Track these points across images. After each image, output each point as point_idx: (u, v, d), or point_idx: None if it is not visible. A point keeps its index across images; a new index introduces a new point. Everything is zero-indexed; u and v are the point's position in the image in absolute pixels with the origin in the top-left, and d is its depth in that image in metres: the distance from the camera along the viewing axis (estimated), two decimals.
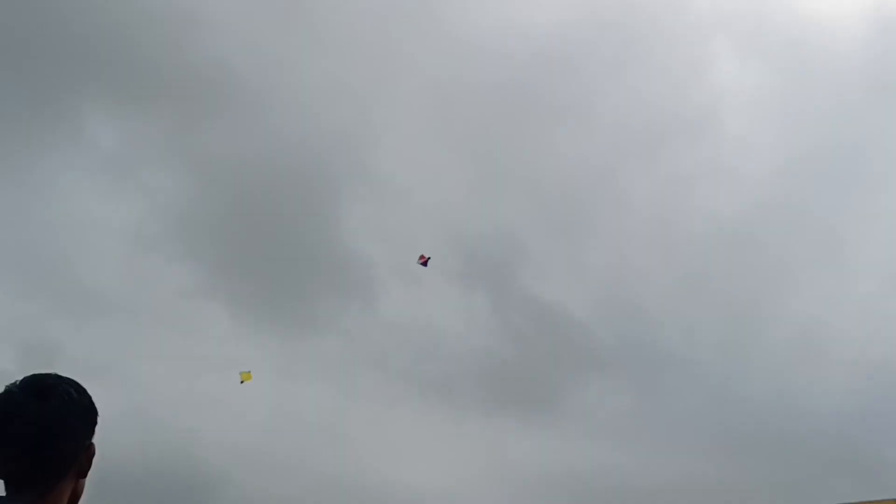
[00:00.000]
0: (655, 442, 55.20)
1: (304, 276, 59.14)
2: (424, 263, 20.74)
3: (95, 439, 2.60)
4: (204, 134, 57.90)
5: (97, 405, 2.64)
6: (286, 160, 57.77)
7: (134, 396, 60.42)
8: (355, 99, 58.13)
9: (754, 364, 57.07)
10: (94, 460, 2.54)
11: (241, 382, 20.96)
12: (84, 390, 2.46)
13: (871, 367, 55.15)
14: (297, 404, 58.28)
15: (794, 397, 54.41)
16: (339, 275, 59.54)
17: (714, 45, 60.83)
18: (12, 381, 2.49)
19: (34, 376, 2.45)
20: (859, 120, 59.88)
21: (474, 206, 56.38)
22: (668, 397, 56.13)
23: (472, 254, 55.12)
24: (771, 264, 57.87)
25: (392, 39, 57.81)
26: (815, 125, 59.55)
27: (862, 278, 58.90)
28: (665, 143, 59.57)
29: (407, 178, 59.06)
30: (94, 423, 2.47)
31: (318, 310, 59.56)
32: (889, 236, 59.24)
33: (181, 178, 59.54)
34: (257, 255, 59.34)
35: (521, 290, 55.74)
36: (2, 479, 2.43)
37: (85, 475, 2.44)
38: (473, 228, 53.56)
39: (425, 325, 58.30)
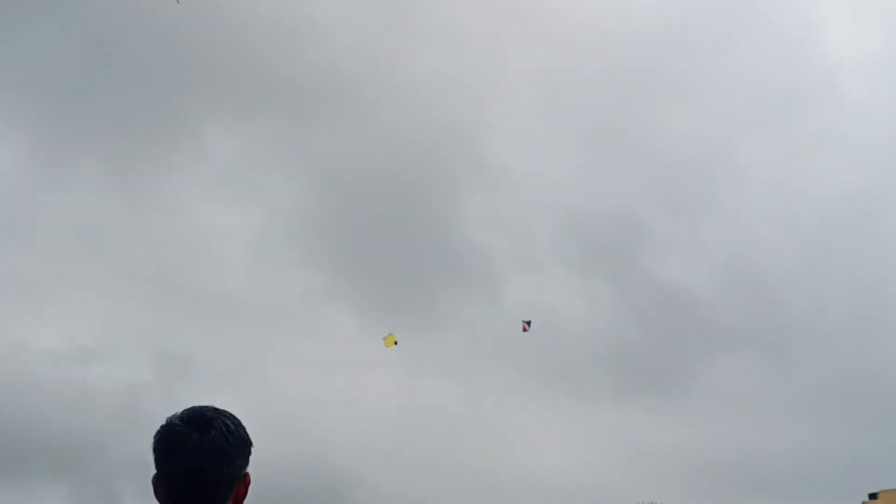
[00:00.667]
0: (789, 418, 53.96)
1: (426, 272, 59.71)
2: (526, 329, 20.74)
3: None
4: (320, 138, 59.02)
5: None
6: (401, 157, 58.41)
7: (265, 401, 61.72)
8: (466, 92, 58.37)
9: (888, 333, 55.20)
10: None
11: (388, 346, 20.91)
12: (239, 422, 2.61)
13: None
14: (426, 400, 58.91)
15: None
16: (461, 268, 59.91)
17: (826, 7, 58.97)
18: (173, 414, 2.68)
19: (194, 409, 2.62)
20: None
21: (591, 190, 55.96)
22: (799, 372, 54.80)
23: (591, 238, 54.82)
24: None
25: (498, 30, 57.81)
26: None
27: None
28: (782, 113, 58.10)
29: (522, 167, 59.04)
30: (249, 452, 2.58)
31: (442, 304, 60.06)
32: None
33: (300, 183, 60.79)
34: (378, 254, 60.16)
35: (643, 272, 55.19)
36: None
37: (241, 502, 2.55)
38: (591, 213, 53.15)
39: (549, 313, 58.16)
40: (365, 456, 62.97)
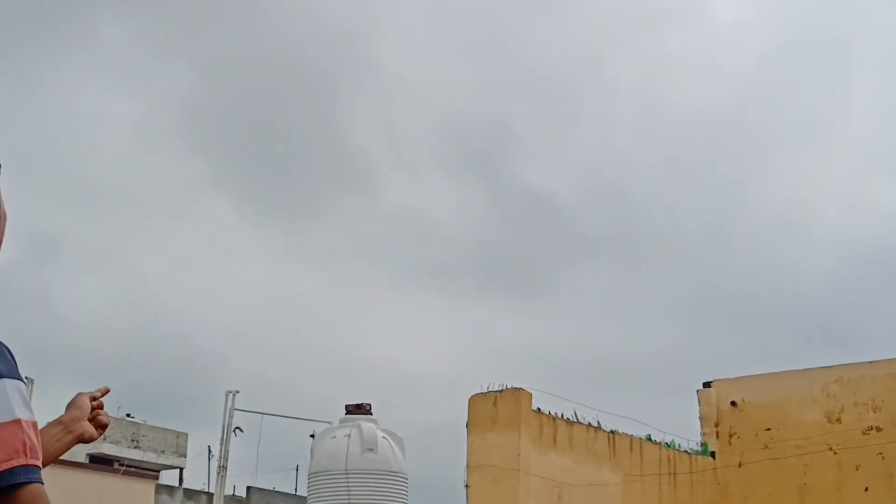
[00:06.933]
0: (641, 321, 57.79)
1: (307, 170, 60.86)
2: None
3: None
4: (209, 31, 58.95)
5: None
6: (291, 55, 58.87)
7: (135, 284, 62.16)
8: None
9: (736, 243, 59.30)
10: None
11: None
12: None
13: (849, 245, 57.45)
14: (295, 289, 60.65)
15: (773, 274, 56.87)
16: (341, 167, 61.33)
17: None
18: None
19: None
20: (841, 4, 60.78)
21: (469, 98, 57.64)
22: (653, 277, 58.54)
23: (465, 144, 56.81)
24: (752, 147, 59.54)
25: None
26: (798, 9, 60.41)
27: (840, 158, 60.70)
28: (650, 32, 60.58)
29: (408, 73, 60.28)
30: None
31: (320, 201, 61.51)
32: (866, 114, 60.70)
33: (187, 76, 60.81)
34: (262, 149, 60.94)
35: (512, 178, 57.64)
36: None
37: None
38: (468, 120, 54.90)
39: (422, 213, 60.39)
40: (230, 340, 64.50)
